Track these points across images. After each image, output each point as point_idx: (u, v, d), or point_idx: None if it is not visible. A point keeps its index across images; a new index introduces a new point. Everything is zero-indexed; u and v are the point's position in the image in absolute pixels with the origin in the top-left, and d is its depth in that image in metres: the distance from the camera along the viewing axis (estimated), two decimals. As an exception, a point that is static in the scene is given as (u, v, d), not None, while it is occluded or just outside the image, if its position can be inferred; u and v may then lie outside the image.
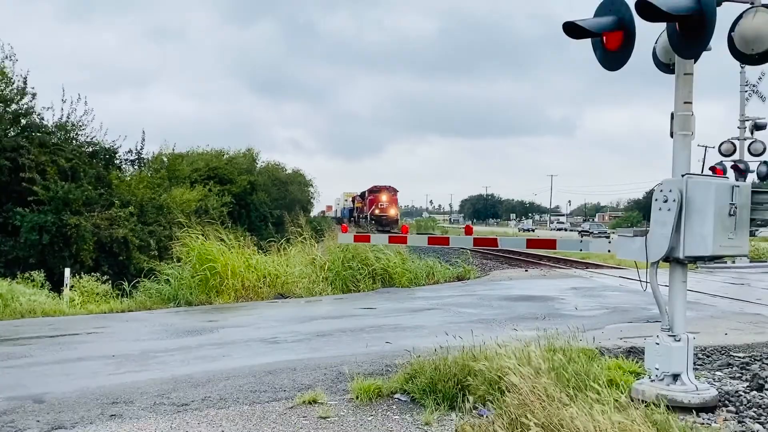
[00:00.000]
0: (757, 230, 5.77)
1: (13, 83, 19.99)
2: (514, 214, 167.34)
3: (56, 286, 14.20)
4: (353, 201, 73.23)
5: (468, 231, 10.45)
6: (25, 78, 20.22)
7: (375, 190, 60.51)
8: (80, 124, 20.89)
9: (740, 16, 5.25)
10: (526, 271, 21.48)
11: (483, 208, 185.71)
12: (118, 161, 22.40)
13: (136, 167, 24.25)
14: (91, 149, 21.02)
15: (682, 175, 5.32)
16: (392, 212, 59.05)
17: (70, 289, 13.80)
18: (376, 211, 58.26)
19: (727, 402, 5.52)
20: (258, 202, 35.10)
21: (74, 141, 20.58)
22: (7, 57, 20.11)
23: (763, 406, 5.39)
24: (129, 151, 23.01)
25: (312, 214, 55.44)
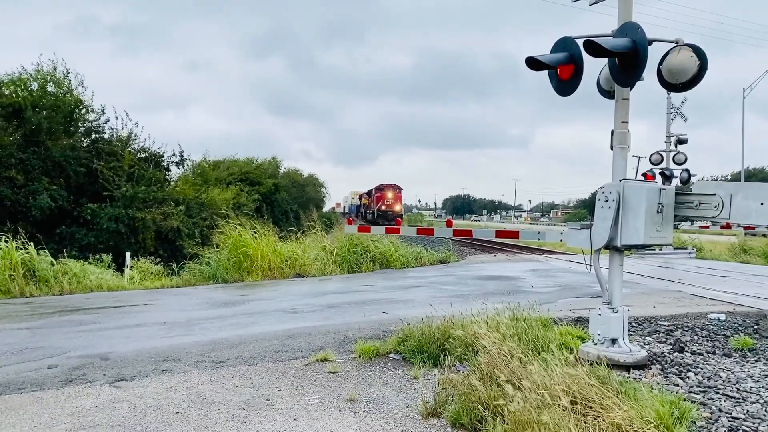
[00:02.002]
0: (679, 224, 5.75)
1: (83, 103, 19.99)
2: (486, 211, 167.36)
3: (120, 266, 14.18)
4: (360, 198, 68.39)
5: (449, 224, 10.47)
6: (103, 107, 20.44)
7: (381, 188, 54.56)
8: (133, 135, 20.97)
9: (667, 53, 5.25)
10: (495, 256, 21.47)
11: (461, 206, 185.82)
12: (164, 163, 22.39)
13: (179, 168, 24.22)
14: (142, 155, 21.09)
15: (620, 180, 5.33)
16: (397, 208, 53.37)
17: (130, 269, 13.77)
18: (383, 207, 52.73)
19: (655, 361, 5.54)
20: (280, 200, 35.09)
21: (131, 149, 20.64)
22: (80, 84, 20.11)
23: (684, 365, 5.41)
24: (173, 154, 23.02)
25: (324, 210, 55.22)
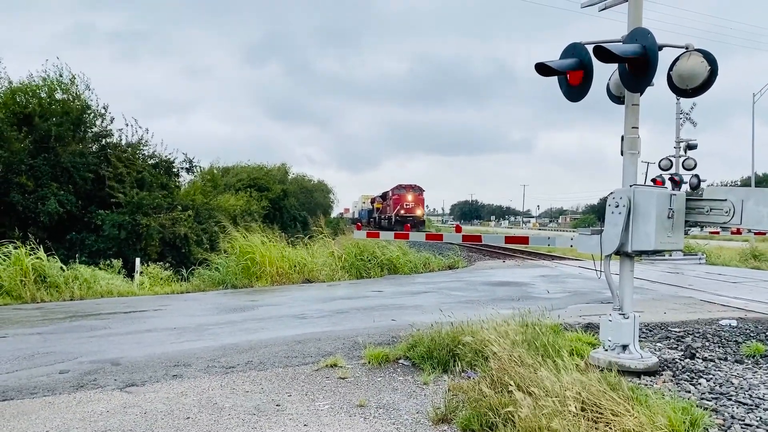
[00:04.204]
0: (689, 229, 5.73)
1: (90, 108, 20.10)
2: (494, 216, 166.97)
3: (130, 272, 14.24)
4: (372, 202, 61.88)
5: (457, 229, 10.44)
6: (106, 106, 20.50)
7: (400, 190, 47.69)
8: (144, 140, 21.07)
9: (677, 59, 5.25)
10: (504, 262, 21.39)
11: (469, 211, 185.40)
12: (175, 170, 22.50)
13: (190, 175, 24.33)
14: (152, 161, 21.17)
15: (630, 186, 5.32)
16: (419, 212, 46.89)
17: (140, 275, 13.83)
18: (402, 212, 46.13)
19: (666, 367, 5.51)
20: (289, 205, 35.20)
21: (140, 155, 20.71)
22: (87, 88, 20.25)
23: (695, 371, 5.38)
24: (184, 161, 23.13)
25: (332, 216, 54.97)
